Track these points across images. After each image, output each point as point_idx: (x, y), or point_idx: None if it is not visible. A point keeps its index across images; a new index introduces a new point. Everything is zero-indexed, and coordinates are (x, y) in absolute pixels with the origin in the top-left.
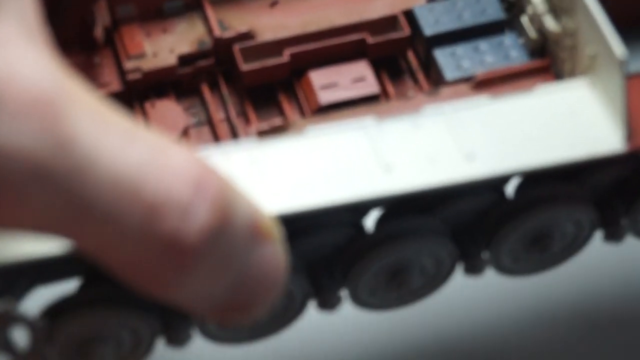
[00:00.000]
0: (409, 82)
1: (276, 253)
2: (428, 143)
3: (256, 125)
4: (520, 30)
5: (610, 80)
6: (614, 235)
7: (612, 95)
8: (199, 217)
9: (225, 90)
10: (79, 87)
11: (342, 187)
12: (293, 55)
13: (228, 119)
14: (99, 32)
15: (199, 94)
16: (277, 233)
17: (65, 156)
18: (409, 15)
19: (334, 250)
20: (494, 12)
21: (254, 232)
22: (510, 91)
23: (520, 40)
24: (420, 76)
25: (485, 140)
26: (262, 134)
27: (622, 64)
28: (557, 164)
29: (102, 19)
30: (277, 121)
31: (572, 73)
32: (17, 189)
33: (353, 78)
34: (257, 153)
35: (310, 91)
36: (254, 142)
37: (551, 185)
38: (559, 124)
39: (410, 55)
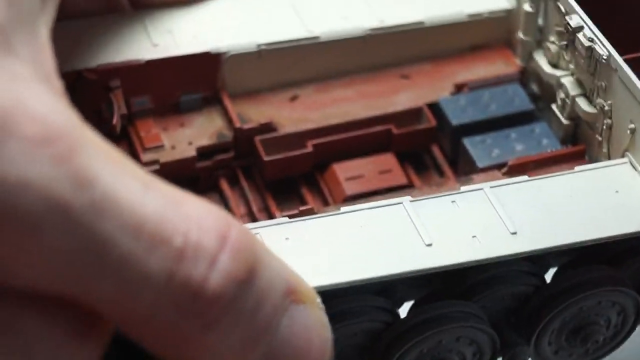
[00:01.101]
0: (434, 176)
1: (316, 319)
2: (469, 219)
3: (280, 214)
4: (550, 119)
5: None
6: None
7: None
8: (225, 267)
9: (245, 184)
10: (92, 132)
11: (383, 263)
12: (316, 146)
13: (250, 214)
14: (116, 122)
15: (217, 189)
16: (316, 299)
17: (84, 192)
18: (434, 108)
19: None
20: (521, 102)
21: (288, 292)
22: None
23: (552, 129)
24: (446, 169)
25: (526, 217)
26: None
27: None
28: (601, 240)
29: (119, 110)
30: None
31: (609, 156)
32: (31, 221)
33: (379, 170)
34: (291, 231)
35: (335, 183)
36: (288, 221)
37: (593, 268)
38: (601, 201)
39: (435, 150)
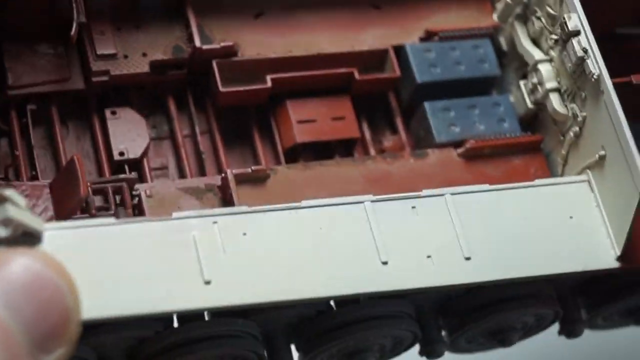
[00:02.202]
0: (387, 131)
1: None
2: (426, 234)
3: (230, 166)
4: (514, 91)
5: (621, 194)
6: (572, 332)
7: (619, 210)
8: None
9: (193, 108)
10: None
11: (337, 280)
12: (274, 81)
13: (193, 135)
14: (74, 32)
15: (162, 104)
16: None
17: None
18: (400, 52)
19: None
20: (490, 66)
21: None
22: (499, 167)
23: (514, 107)
24: (400, 126)
25: (482, 241)
26: (240, 180)
27: None
28: (546, 277)
29: (78, 17)
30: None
31: (565, 160)
32: None
33: (333, 116)
34: (251, 225)
35: (287, 125)
36: (247, 212)
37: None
38: (557, 227)
39: (392, 97)
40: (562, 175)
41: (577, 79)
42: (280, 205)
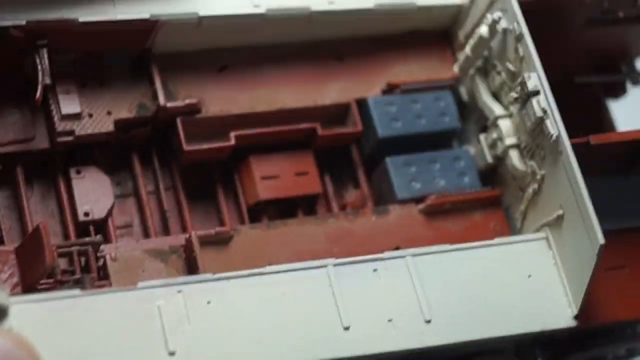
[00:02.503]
0: (349, 185)
1: None
2: (387, 297)
3: (194, 224)
4: (475, 145)
5: (578, 253)
6: None
7: (577, 268)
8: None
9: (157, 164)
10: None
11: (301, 346)
12: (238, 138)
13: (157, 192)
14: (39, 95)
15: (127, 161)
16: None
17: None
18: (363, 105)
19: None
20: (450, 120)
21: None
22: (459, 223)
23: (473, 161)
24: (362, 180)
25: (442, 303)
26: (204, 242)
27: (601, 248)
28: (510, 336)
29: (43, 79)
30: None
31: (524, 215)
32: None
33: (296, 171)
34: (215, 293)
35: (250, 181)
36: (211, 279)
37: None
38: (516, 286)
39: (354, 150)
40: (520, 230)
41: (536, 137)
42: (244, 272)
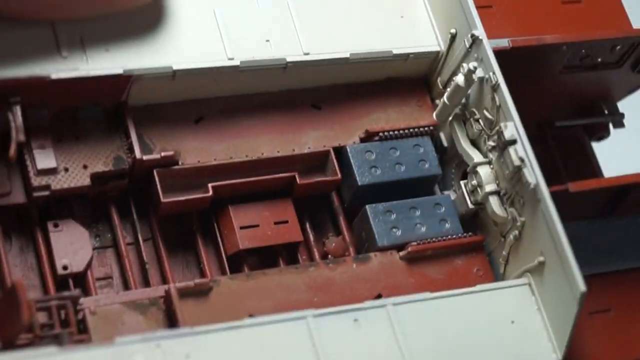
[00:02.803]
0: (330, 231)
1: None
2: (369, 349)
3: (174, 275)
4: (456, 190)
5: (561, 299)
6: None
7: (560, 314)
8: None
9: (135, 216)
10: None
11: None
12: (216, 189)
13: (136, 242)
14: (13, 153)
15: (105, 213)
16: None
17: None
18: (341, 153)
19: None
20: (430, 166)
21: None
22: (442, 269)
23: (454, 206)
24: (343, 226)
25: (425, 355)
26: (183, 294)
27: (582, 295)
28: None
29: (17, 136)
30: (196, 278)
31: (506, 260)
32: None
33: (275, 220)
34: (194, 346)
35: (230, 231)
36: (190, 333)
37: None
38: (499, 333)
39: (334, 197)
40: (504, 274)
41: (515, 184)
42: (223, 325)
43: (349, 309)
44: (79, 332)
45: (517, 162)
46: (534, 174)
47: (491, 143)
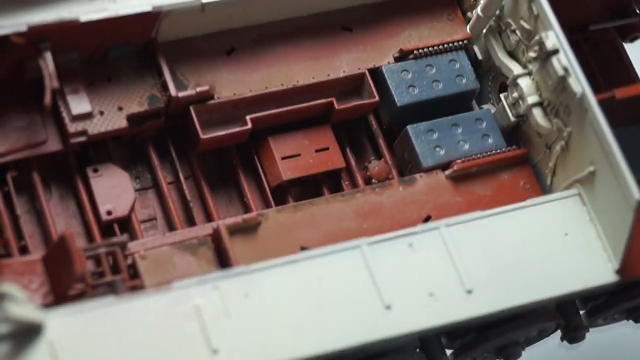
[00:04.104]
0: (370, 155)
1: None
2: (426, 271)
3: (218, 211)
4: (495, 103)
5: (614, 209)
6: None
7: (614, 223)
8: None
9: (174, 154)
10: None
11: (344, 331)
12: (254, 121)
13: (177, 181)
14: (48, 101)
15: (143, 154)
16: None
17: None
18: (377, 75)
19: None
20: (467, 81)
21: None
22: (488, 185)
23: (496, 120)
24: (382, 142)
25: (481, 271)
26: (232, 231)
27: (637, 203)
28: (551, 298)
29: (50, 83)
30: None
31: (553, 172)
32: None
33: (316, 148)
34: (252, 285)
35: (271, 162)
36: (246, 272)
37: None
38: (551, 248)
39: (372, 119)
40: (551, 186)
41: (559, 94)
42: (278, 261)
43: (402, 234)
44: (131, 278)
45: (561, 72)
46: (579, 83)
47: (531, 54)
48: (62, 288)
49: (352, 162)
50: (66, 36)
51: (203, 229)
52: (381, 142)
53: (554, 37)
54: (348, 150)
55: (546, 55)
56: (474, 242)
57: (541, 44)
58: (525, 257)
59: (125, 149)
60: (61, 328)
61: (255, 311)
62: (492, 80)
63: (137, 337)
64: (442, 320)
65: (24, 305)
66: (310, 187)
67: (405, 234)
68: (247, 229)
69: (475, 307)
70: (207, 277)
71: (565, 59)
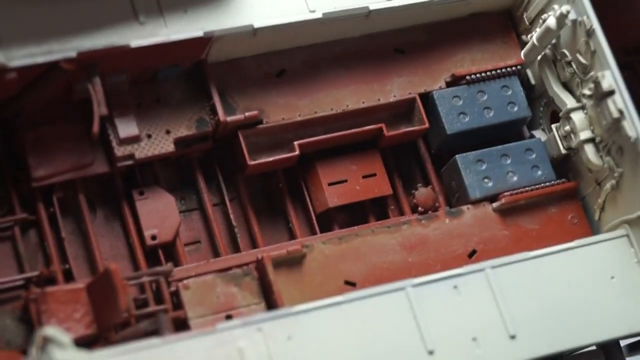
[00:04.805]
0: (417, 175)
1: None
2: (470, 315)
3: (263, 237)
4: (546, 131)
5: None
6: None
7: None
8: None
9: (220, 175)
10: None
11: None
12: (302, 146)
13: (223, 203)
14: (96, 129)
15: (189, 176)
16: None
17: None
18: (427, 99)
19: None
20: (519, 108)
21: None
22: (535, 219)
23: (545, 149)
24: (429, 168)
25: (525, 315)
26: (277, 263)
27: None
28: (596, 343)
29: (99, 109)
30: (288, 242)
31: (602, 208)
32: None
33: (363, 174)
34: (295, 328)
35: (318, 188)
36: (290, 314)
37: None
38: (600, 290)
39: (421, 144)
40: (599, 222)
41: (613, 134)
42: (322, 302)
43: (447, 275)
44: (174, 307)
45: (616, 115)
46: (634, 127)
47: (586, 91)
48: (106, 319)
49: (399, 187)
50: (116, 61)
51: (247, 256)
52: (429, 167)
53: (611, 77)
54: (395, 177)
55: (602, 96)
56: (519, 284)
57: (597, 82)
58: (570, 300)
59: (171, 169)
60: None
61: (298, 354)
62: (544, 106)
63: None
64: None
65: (69, 350)
66: (356, 213)
67: (450, 276)
68: (292, 261)
69: (519, 353)
70: (252, 319)
71: (621, 101)
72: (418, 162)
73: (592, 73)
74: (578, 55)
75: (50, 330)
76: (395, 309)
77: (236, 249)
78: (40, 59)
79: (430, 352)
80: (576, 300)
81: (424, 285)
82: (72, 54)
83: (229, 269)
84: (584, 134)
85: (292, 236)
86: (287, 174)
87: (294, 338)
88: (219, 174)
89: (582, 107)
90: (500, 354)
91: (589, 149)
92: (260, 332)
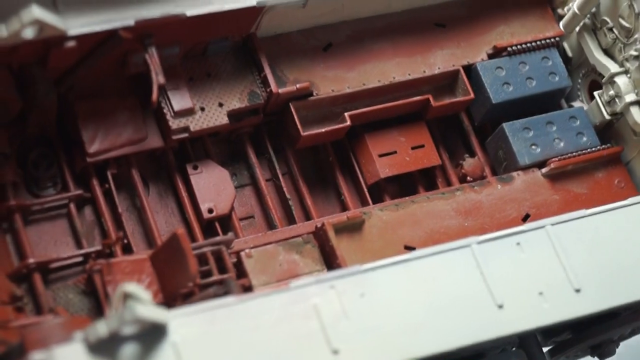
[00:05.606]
0: (460, 147)
1: None
2: (534, 270)
3: (316, 209)
4: (586, 101)
5: None
6: None
7: None
8: None
9: (270, 148)
10: None
11: (459, 330)
12: (353, 118)
13: (276, 177)
14: (155, 98)
15: (240, 151)
16: None
17: None
18: (471, 72)
19: None
20: (560, 78)
21: None
22: (584, 184)
23: (589, 117)
24: (474, 140)
25: (587, 270)
26: (337, 229)
27: None
28: None
29: (157, 79)
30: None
31: None
32: None
33: (412, 145)
34: (367, 285)
35: (368, 159)
36: (360, 271)
37: None
38: None
39: (463, 115)
40: None
41: None
42: (389, 260)
43: (509, 233)
44: (238, 276)
45: None
46: None
47: (632, 52)
48: (174, 287)
49: (446, 159)
50: (171, 31)
51: (304, 227)
52: (473, 139)
53: None
54: (441, 148)
55: None
56: (578, 240)
57: None
58: (629, 254)
59: (221, 145)
60: (184, 328)
61: (371, 311)
62: (583, 77)
63: (258, 336)
64: (553, 319)
65: (149, 305)
66: (405, 185)
67: (513, 233)
68: (352, 227)
69: (585, 306)
70: (324, 277)
71: None
72: (461, 135)
73: (636, 35)
74: (621, 20)
75: (131, 286)
76: (462, 266)
77: (291, 222)
78: (98, 27)
79: (500, 306)
80: (635, 254)
81: (488, 242)
82: (131, 22)
83: (288, 239)
84: (630, 97)
85: (344, 208)
86: (335, 148)
87: (366, 295)
88: (270, 148)
89: (626, 72)
90: (568, 307)
91: (635, 111)
92: (333, 289)
